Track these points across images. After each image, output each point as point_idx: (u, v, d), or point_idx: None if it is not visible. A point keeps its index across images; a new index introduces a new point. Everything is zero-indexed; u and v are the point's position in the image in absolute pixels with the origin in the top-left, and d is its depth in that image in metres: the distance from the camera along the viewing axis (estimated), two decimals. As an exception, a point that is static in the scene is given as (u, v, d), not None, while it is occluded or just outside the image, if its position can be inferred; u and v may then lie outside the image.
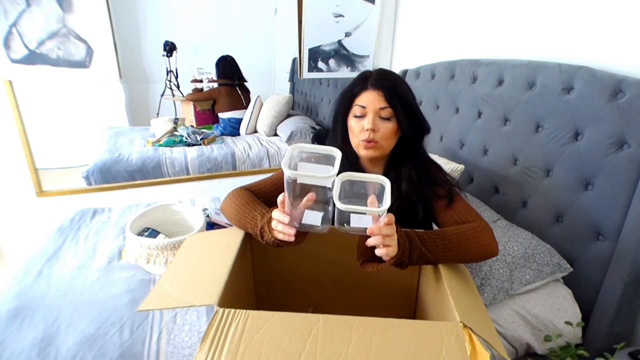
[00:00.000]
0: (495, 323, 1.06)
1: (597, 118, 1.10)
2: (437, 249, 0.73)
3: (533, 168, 1.30)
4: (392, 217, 0.66)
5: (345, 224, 0.67)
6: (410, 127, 0.89)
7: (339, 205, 0.62)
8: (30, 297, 1.05)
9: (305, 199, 0.67)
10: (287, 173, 0.64)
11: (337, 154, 0.68)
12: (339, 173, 0.67)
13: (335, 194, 0.64)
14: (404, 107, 0.87)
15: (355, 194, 0.68)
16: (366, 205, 0.65)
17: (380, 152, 0.91)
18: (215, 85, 2.51)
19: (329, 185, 0.66)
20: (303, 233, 0.72)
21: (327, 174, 0.64)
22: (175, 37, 2.29)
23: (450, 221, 0.86)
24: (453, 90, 1.72)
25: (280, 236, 0.71)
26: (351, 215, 0.66)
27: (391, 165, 0.95)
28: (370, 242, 0.66)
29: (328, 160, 0.67)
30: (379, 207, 0.64)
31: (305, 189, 0.67)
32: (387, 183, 0.66)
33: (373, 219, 0.66)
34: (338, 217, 0.67)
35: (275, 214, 0.71)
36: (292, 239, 0.69)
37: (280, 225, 0.70)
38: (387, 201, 0.63)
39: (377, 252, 0.67)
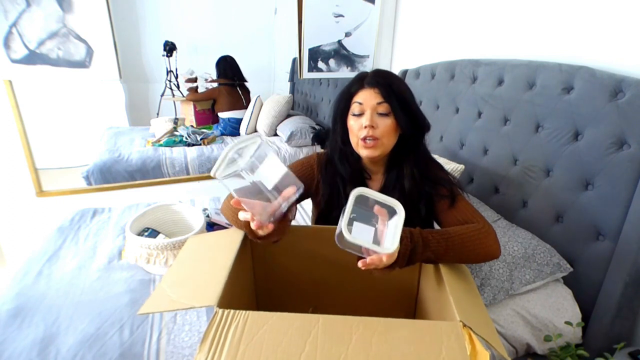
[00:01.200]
0: (495, 323, 1.06)
1: (597, 118, 1.10)
2: (441, 249, 0.73)
3: (533, 168, 1.30)
4: (393, 257, 0.65)
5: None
6: (409, 124, 0.89)
7: (348, 237, 0.60)
8: (30, 297, 1.06)
9: (283, 195, 0.65)
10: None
11: (258, 139, 0.65)
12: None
13: (345, 218, 0.61)
14: (400, 103, 0.87)
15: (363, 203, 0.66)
16: (374, 216, 0.64)
17: (380, 150, 0.90)
18: (216, 85, 2.51)
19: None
20: (283, 224, 0.71)
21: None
22: (175, 37, 2.29)
23: (452, 221, 0.86)
24: (453, 90, 1.72)
25: (260, 232, 0.69)
26: (354, 223, 0.64)
27: (392, 164, 0.95)
28: (361, 263, 0.65)
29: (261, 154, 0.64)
30: (388, 219, 0.63)
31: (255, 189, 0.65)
32: (401, 213, 0.63)
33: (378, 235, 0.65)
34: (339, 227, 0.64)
35: (241, 215, 0.69)
36: (267, 228, 0.67)
37: (251, 222, 0.67)
38: (396, 241, 0.61)
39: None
